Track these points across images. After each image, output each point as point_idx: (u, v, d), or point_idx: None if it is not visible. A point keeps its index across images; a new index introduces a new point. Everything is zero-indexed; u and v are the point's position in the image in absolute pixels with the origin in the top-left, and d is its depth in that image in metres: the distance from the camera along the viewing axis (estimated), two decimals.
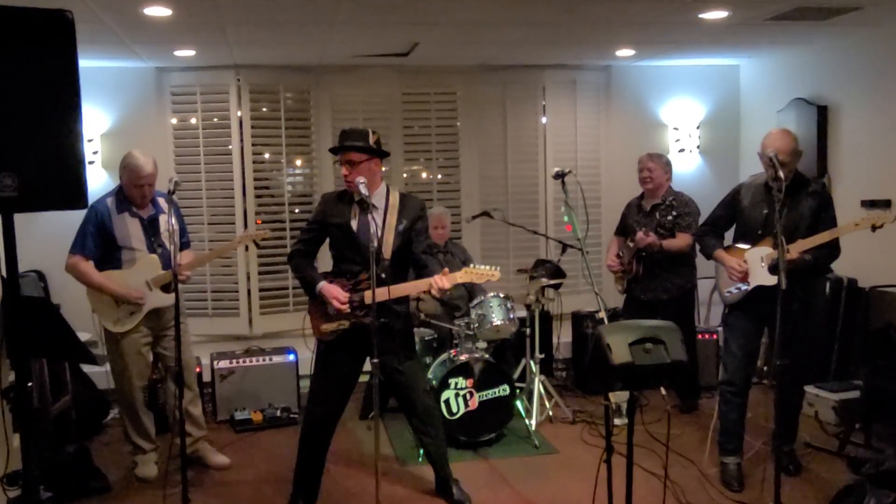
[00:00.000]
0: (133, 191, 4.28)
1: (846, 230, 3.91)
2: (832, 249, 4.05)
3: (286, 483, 4.35)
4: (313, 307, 3.86)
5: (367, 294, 3.59)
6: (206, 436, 4.76)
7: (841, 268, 4.63)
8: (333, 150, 3.90)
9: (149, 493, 4.29)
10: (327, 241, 3.93)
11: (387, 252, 3.74)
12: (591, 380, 5.81)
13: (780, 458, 3.85)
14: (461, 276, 3.71)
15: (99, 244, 4.25)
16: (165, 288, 4.35)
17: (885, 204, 5.31)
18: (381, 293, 3.50)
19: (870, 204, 5.43)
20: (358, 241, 3.73)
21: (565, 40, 5.71)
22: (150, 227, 4.38)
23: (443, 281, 3.58)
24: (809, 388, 5.03)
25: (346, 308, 3.71)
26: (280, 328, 6.35)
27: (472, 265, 3.82)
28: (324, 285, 3.75)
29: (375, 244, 3.41)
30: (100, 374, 5.41)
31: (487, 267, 3.75)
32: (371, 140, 3.72)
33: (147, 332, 4.42)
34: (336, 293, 3.71)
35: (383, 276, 3.62)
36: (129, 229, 4.30)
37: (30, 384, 2.48)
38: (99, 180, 5.81)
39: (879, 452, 4.03)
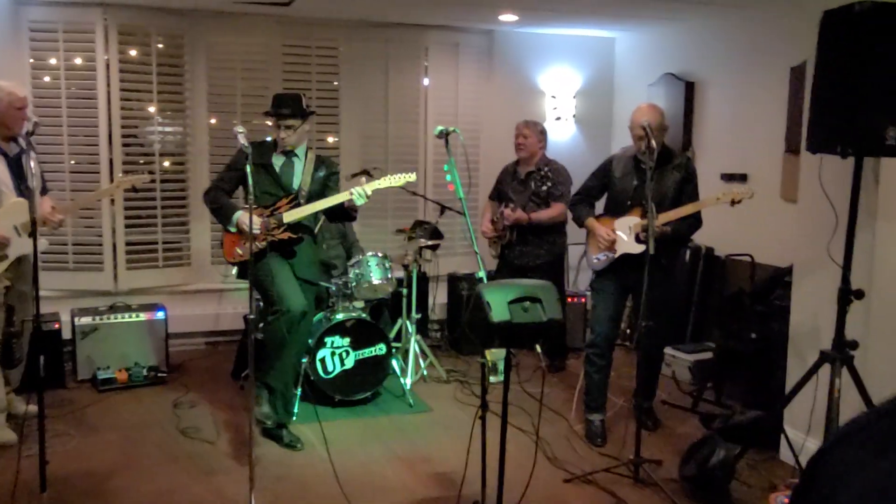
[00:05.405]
0: (13, 115, 4.10)
1: (708, 203, 4.11)
2: (694, 221, 4.26)
3: (153, 444, 4.26)
4: (228, 235, 4.34)
5: (285, 214, 4.22)
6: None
7: (699, 237, 4.89)
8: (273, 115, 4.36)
9: (5, 456, 4.04)
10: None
11: (304, 189, 4.36)
12: (470, 338, 5.95)
13: (641, 414, 4.11)
14: (384, 182, 4.23)
15: None
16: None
17: (742, 178, 5.63)
18: (303, 210, 4.23)
19: (728, 178, 5.75)
20: (280, 180, 4.35)
21: (447, 0, 5.69)
22: (17, 167, 4.11)
23: (363, 188, 4.13)
24: (668, 350, 5.33)
25: (261, 233, 4.18)
26: (149, 284, 6.09)
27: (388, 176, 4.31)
28: (242, 213, 4.17)
29: (298, 185, 4.16)
30: None
31: (402, 174, 4.27)
32: (304, 104, 4.39)
33: (8, 282, 4.16)
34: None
35: (301, 202, 4.28)
36: None
37: None
38: None
39: (728, 409, 4.35)
